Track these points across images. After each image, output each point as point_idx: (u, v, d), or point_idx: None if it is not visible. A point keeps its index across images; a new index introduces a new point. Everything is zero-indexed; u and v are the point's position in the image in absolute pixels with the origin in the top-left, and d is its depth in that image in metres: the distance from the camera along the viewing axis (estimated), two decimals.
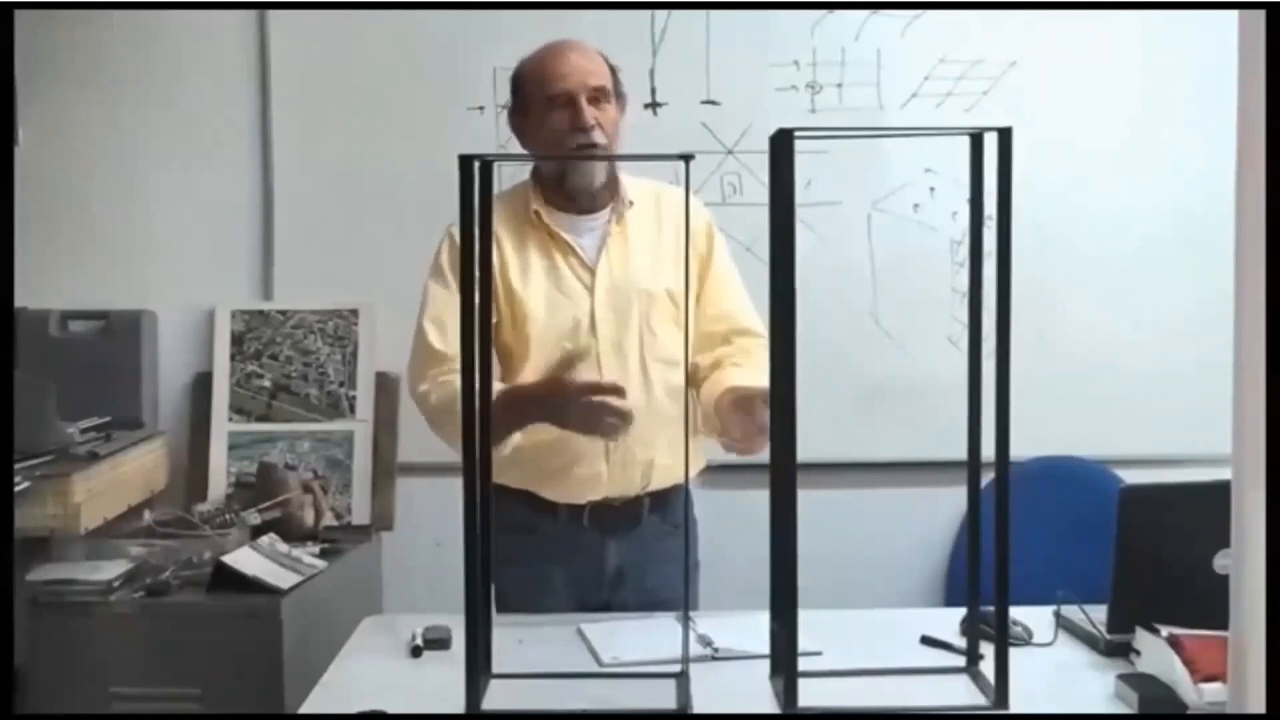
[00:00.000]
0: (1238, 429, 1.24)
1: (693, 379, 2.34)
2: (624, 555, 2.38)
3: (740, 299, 2.44)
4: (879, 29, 3.26)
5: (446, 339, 2.29)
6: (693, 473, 2.39)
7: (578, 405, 2.14)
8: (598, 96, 2.29)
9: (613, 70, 2.34)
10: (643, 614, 2.27)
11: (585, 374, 2.20)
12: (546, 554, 2.35)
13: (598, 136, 2.27)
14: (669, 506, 2.38)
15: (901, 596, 3.27)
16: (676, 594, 2.22)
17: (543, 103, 2.29)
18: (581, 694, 1.89)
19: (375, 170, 3.26)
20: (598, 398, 2.14)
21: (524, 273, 2.31)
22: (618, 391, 2.13)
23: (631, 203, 2.37)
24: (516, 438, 2.22)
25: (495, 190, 1.97)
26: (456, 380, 2.18)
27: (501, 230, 2.22)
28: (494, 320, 2.18)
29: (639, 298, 2.33)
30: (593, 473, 2.31)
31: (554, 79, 2.28)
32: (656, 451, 2.31)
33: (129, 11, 3.23)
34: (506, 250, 2.30)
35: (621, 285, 2.32)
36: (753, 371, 2.31)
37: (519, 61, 2.37)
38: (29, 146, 3.19)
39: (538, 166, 2.40)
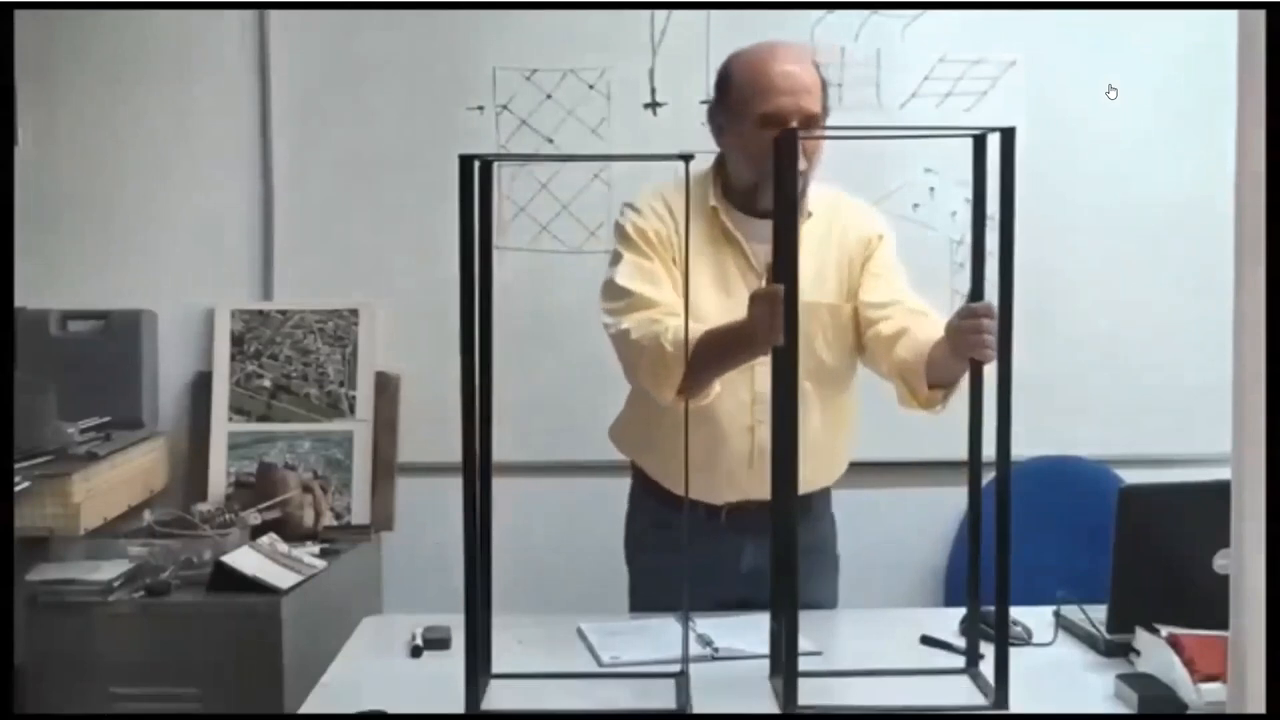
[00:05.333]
0: (1238, 429, 1.24)
1: (874, 349, 2.31)
2: (761, 557, 2.28)
3: (904, 288, 2.37)
4: (879, 28, 3.25)
5: (651, 289, 2.22)
6: (834, 478, 2.45)
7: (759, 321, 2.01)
8: (809, 123, 2.20)
9: (824, 85, 2.26)
10: (643, 614, 2.27)
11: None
12: (680, 549, 2.19)
13: (800, 165, 2.16)
14: (811, 511, 2.36)
15: (901, 596, 3.26)
16: (818, 594, 2.26)
17: (753, 119, 2.20)
18: (581, 694, 1.90)
19: (375, 171, 3.26)
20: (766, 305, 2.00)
21: (693, 267, 2.19)
22: (774, 297, 1.97)
23: (810, 214, 2.30)
24: (717, 387, 2.20)
25: (497, 191, 1.95)
26: (668, 323, 2.14)
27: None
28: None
29: (800, 309, 2.23)
30: (732, 477, 2.30)
31: (771, 95, 2.20)
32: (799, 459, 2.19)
33: (129, 11, 3.22)
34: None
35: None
36: (937, 324, 2.21)
37: (733, 54, 2.29)
38: (29, 146, 3.19)
39: (722, 162, 2.33)
